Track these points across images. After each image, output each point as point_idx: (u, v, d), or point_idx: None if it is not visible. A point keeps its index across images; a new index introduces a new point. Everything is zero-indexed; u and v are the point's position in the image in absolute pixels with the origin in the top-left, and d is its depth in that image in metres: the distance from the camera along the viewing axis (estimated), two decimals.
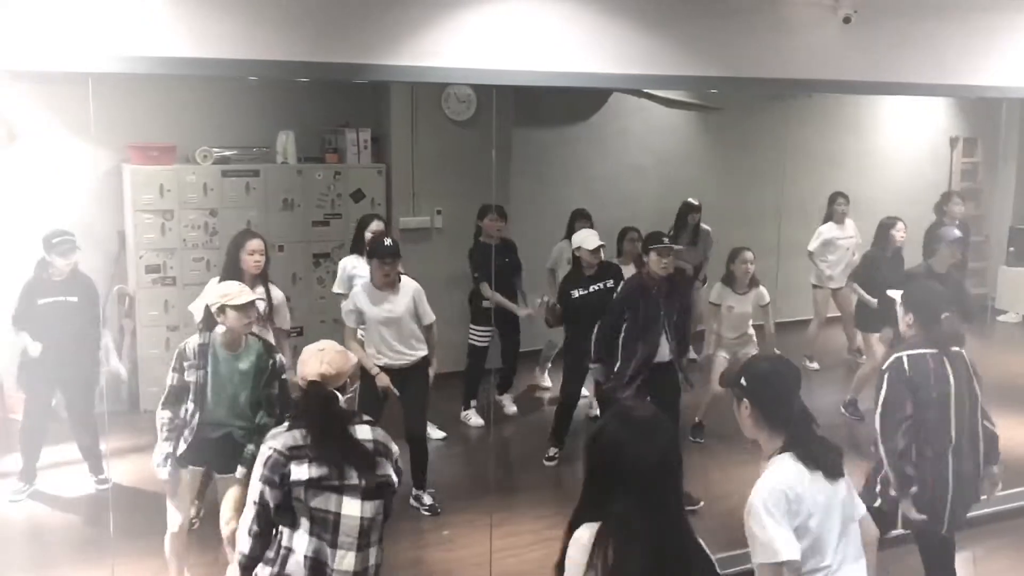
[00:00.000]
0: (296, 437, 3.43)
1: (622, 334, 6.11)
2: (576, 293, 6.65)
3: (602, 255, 6.70)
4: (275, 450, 3.40)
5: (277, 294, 5.81)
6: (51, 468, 6.29)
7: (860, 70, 5.83)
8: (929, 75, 6.02)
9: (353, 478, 3.42)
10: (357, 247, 6.70)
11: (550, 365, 8.17)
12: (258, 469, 3.42)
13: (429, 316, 6.06)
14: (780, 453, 3.15)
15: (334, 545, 3.41)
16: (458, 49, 4.86)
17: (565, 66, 5.09)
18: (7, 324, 6.03)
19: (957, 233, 6.82)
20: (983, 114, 10.16)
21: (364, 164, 8.07)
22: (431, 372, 6.10)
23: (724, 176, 9.38)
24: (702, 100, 9.13)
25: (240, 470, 4.62)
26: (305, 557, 3.39)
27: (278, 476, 3.37)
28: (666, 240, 6.08)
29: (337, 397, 3.54)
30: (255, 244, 5.70)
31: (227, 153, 7.57)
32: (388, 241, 5.95)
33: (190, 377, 4.66)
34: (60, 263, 5.92)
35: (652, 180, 9.25)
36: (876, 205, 8.59)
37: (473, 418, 7.51)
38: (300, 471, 3.37)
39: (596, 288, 6.63)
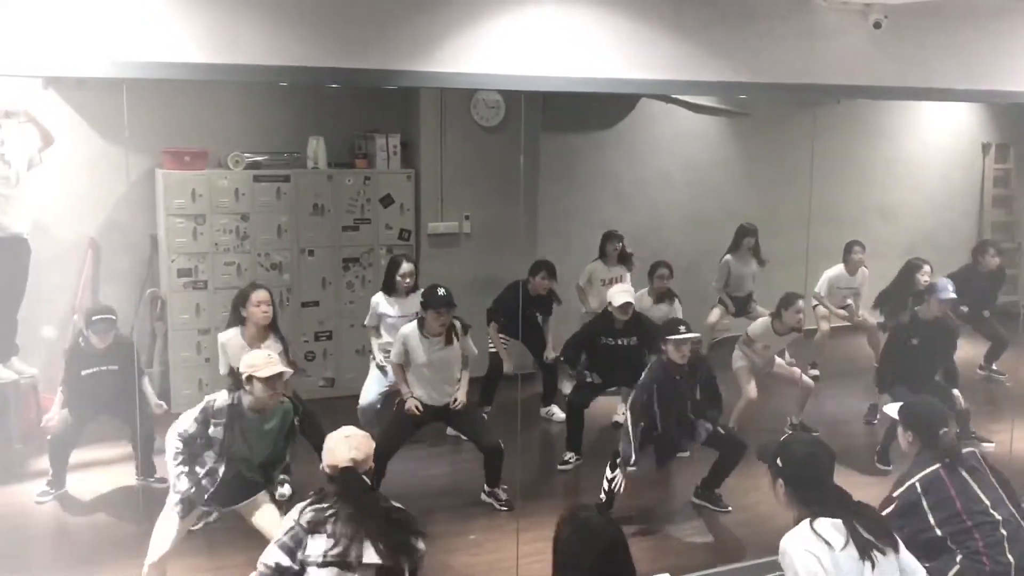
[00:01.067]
0: (320, 513, 3.54)
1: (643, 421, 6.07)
2: (603, 340, 6.85)
3: (631, 311, 6.83)
4: (297, 523, 3.54)
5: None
6: (81, 469, 6.37)
7: (890, 75, 5.80)
8: (960, 80, 5.98)
9: (372, 556, 3.48)
10: (388, 287, 6.78)
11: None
12: (278, 535, 3.57)
13: (472, 352, 6.35)
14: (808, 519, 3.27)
15: None
16: (487, 55, 4.88)
17: (593, 71, 5.10)
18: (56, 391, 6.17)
19: (951, 294, 6.81)
20: (1015, 119, 10.07)
21: (393, 169, 8.12)
22: (463, 390, 6.29)
23: (752, 183, 9.35)
24: (730, 106, 9.11)
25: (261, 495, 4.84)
26: None
27: (295, 545, 3.50)
28: (683, 329, 6.06)
29: (366, 482, 3.68)
30: (262, 295, 5.79)
31: (258, 158, 7.65)
32: (442, 291, 6.06)
33: (215, 433, 4.72)
34: (95, 341, 6.02)
35: (680, 186, 9.23)
36: (906, 212, 8.55)
37: (557, 413, 7.67)
38: (316, 546, 3.49)
39: (619, 343, 6.84)
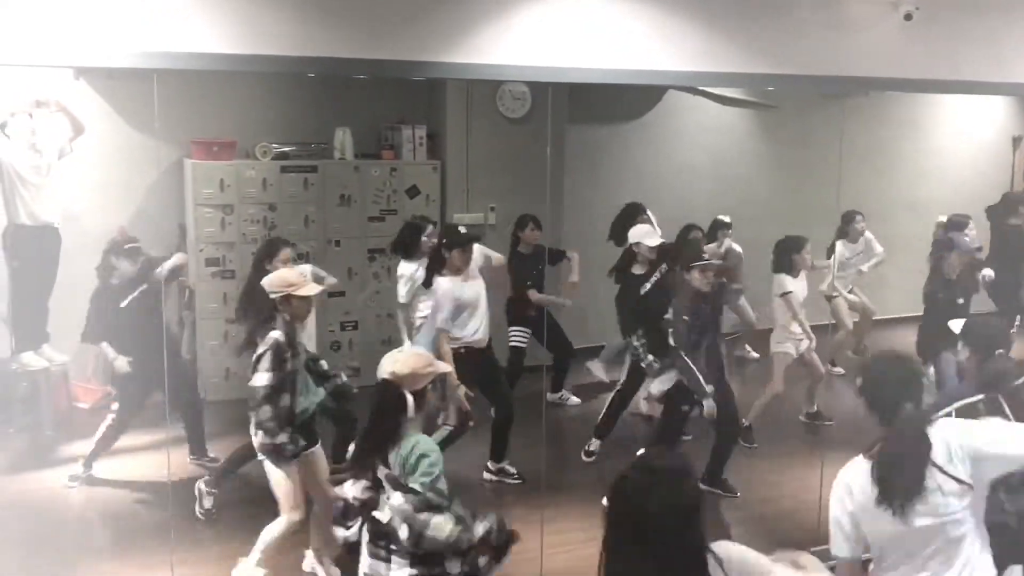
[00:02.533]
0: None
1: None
2: (646, 287, 6.75)
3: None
4: None
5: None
6: (117, 456, 6.44)
7: (920, 67, 5.76)
8: (991, 72, 5.93)
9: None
10: (410, 251, 6.74)
11: (603, 364, 8.14)
12: None
13: (499, 257, 6.57)
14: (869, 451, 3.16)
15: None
16: (513, 46, 4.88)
17: (620, 63, 5.09)
18: (79, 341, 6.27)
19: (969, 244, 6.74)
20: None
21: (419, 161, 8.14)
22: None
23: (779, 175, 9.29)
24: (758, 98, 9.06)
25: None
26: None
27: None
28: (706, 256, 6.10)
29: (405, 400, 3.48)
30: (288, 253, 5.85)
31: (286, 149, 7.69)
32: (463, 228, 6.27)
33: (294, 366, 4.75)
34: (127, 266, 6.09)
35: (706, 178, 9.19)
36: (935, 205, 8.46)
37: (572, 398, 7.77)
38: None
39: (655, 278, 6.75)
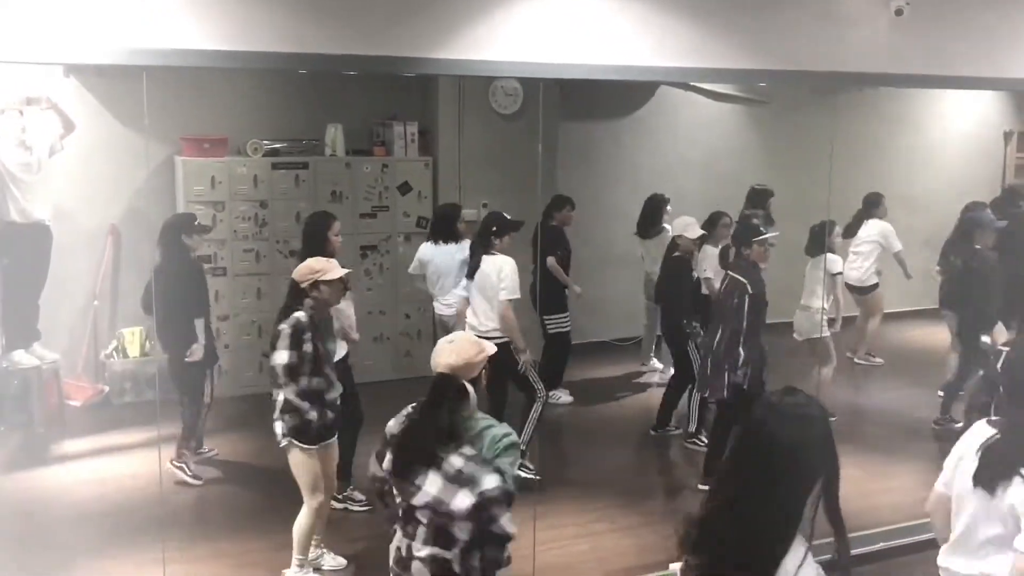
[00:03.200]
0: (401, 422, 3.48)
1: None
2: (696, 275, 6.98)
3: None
4: (388, 429, 3.49)
5: None
6: (109, 454, 6.43)
7: (911, 63, 5.75)
8: (982, 68, 5.93)
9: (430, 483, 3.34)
10: (446, 234, 6.78)
11: (653, 349, 8.30)
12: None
13: None
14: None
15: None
16: (505, 42, 4.87)
17: (612, 59, 5.08)
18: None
19: (993, 219, 6.83)
20: None
21: (411, 157, 8.13)
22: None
23: (772, 170, 9.29)
24: (750, 93, 9.06)
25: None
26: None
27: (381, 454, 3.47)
28: (764, 231, 6.19)
29: (466, 391, 3.44)
30: (337, 225, 5.89)
31: (277, 146, 7.67)
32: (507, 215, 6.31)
33: (308, 348, 4.79)
34: (197, 242, 6.21)
35: (699, 174, 9.19)
36: (927, 200, 8.48)
37: (564, 396, 7.78)
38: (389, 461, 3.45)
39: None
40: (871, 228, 8.41)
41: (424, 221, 8.09)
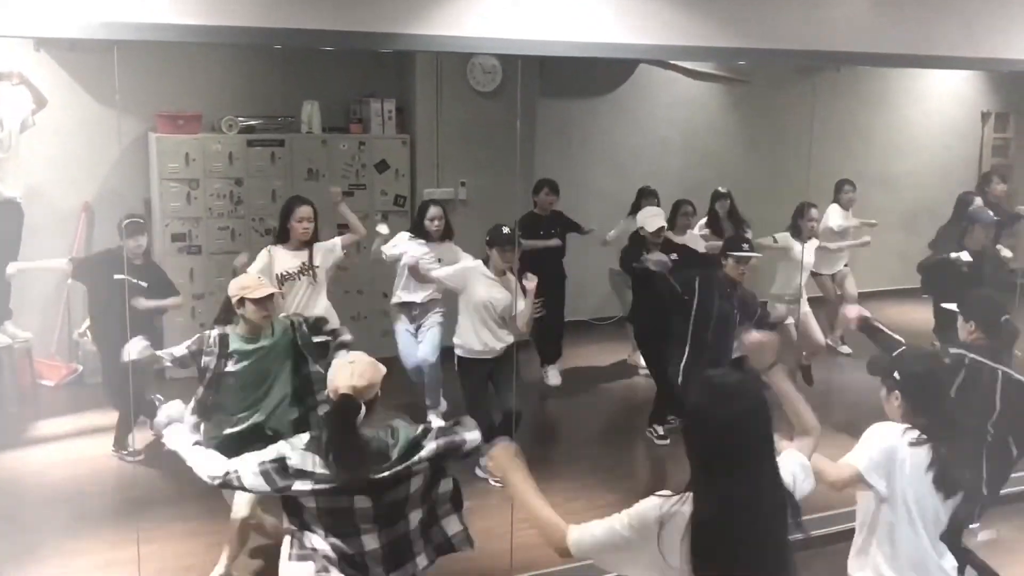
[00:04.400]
0: (308, 462, 3.37)
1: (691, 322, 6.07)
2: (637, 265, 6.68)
3: (663, 236, 6.83)
4: (286, 460, 3.36)
5: (327, 244, 6.12)
6: (83, 435, 6.37)
7: (890, 43, 5.75)
8: (961, 48, 5.93)
9: (364, 502, 3.41)
10: (417, 229, 6.72)
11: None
12: (264, 456, 3.41)
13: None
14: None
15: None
16: (483, 18, 4.82)
17: (592, 36, 5.04)
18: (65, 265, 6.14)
19: (992, 216, 6.81)
20: (1015, 88, 10.00)
21: (389, 135, 8.06)
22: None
23: (751, 150, 9.31)
24: (730, 72, 9.03)
25: None
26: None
27: (279, 479, 3.36)
28: (746, 247, 6.03)
29: (359, 410, 3.42)
30: (304, 211, 5.86)
31: (252, 123, 7.59)
32: (506, 229, 6.05)
33: (207, 363, 4.69)
34: (129, 242, 5.92)
35: (678, 153, 9.19)
36: (905, 180, 8.50)
37: (553, 377, 7.77)
38: (304, 485, 3.36)
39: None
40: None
41: (402, 199, 8.04)
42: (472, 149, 8.15)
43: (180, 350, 4.76)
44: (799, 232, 7.30)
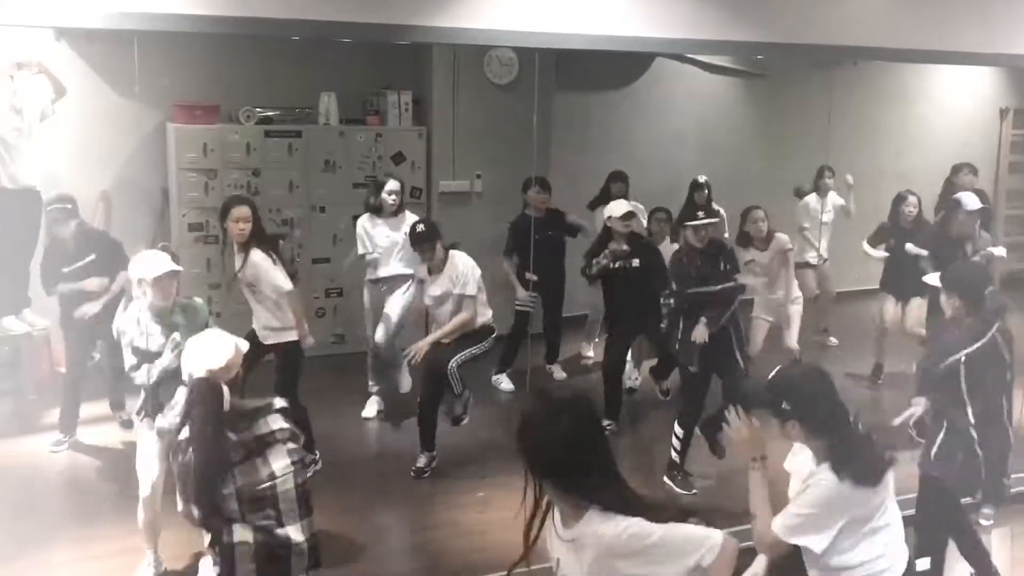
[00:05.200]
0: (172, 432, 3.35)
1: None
2: (597, 262, 6.47)
3: (633, 224, 6.58)
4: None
5: (255, 256, 5.54)
6: (90, 423, 6.42)
7: (908, 38, 5.73)
8: (979, 44, 5.91)
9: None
10: (373, 207, 6.69)
11: (597, 338, 7.99)
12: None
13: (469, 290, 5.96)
14: (823, 462, 3.16)
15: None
16: (501, 11, 4.83)
17: (609, 30, 5.05)
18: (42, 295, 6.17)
19: (978, 203, 6.60)
20: None
21: (405, 127, 8.08)
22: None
23: (767, 144, 9.29)
24: (746, 66, 9.03)
25: None
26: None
27: None
28: (700, 215, 5.97)
29: (222, 394, 3.24)
30: (239, 212, 5.48)
31: (270, 114, 7.62)
32: (420, 227, 5.93)
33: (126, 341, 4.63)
34: (58, 232, 5.92)
35: (694, 147, 9.17)
36: (922, 176, 8.46)
37: (504, 383, 7.44)
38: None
39: (620, 265, 6.46)
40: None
41: (418, 191, 8.06)
42: (488, 142, 8.16)
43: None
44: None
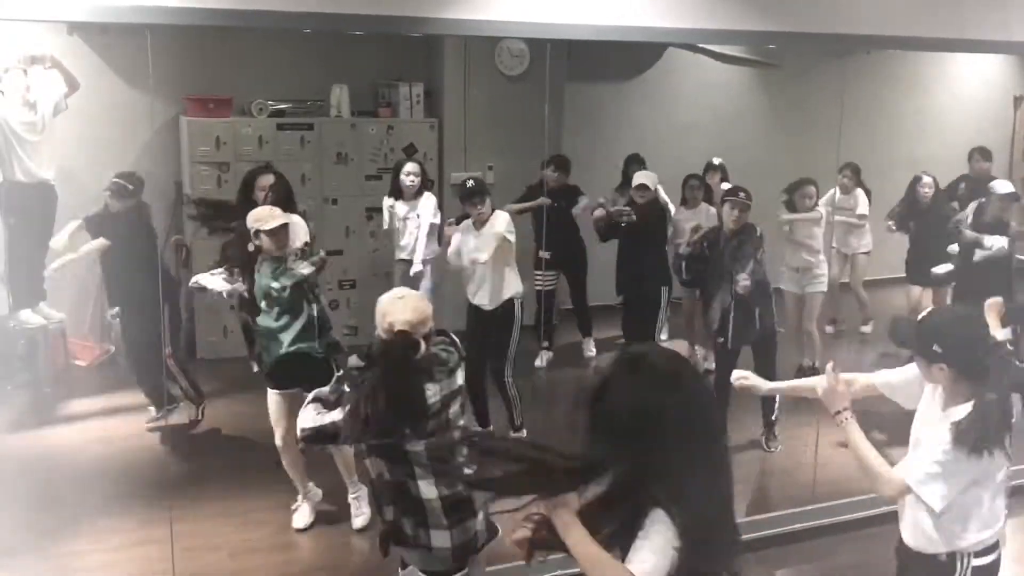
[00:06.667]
0: (352, 387, 3.38)
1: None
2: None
3: (649, 196, 6.99)
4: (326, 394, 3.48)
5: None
6: (115, 414, 6.46)
7: (921, 26, 5.70)
8: (993, 31, 5.87)
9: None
10: (394, 190, 6.97)
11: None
12: (311, 395, 3.50)
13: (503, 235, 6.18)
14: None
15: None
16: (512, 2, 4.82)
17: (620, 20, 5.03)
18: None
19: (1011, 188, 6.68)
20: None
21: (417, 118, 8.08)
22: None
23: (780, 134, 9.24)
24: (759, 56, 8.96)
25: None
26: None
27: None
28: (742, 195, 6.15)
29: (419, 346, 3.34)
30: (265, 180, 5.86)
31: (282, 106, 7.63)
32: (470, 183, 6.24)
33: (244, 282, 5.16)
34: (112, 204, 6.10)
35: (706, 138, 9.13)
36: (936, 165, 8.41)
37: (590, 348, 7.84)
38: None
39: (624, 220, 6.93)
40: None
41: (430, 183, 8.05)
42: (500, 133, 8.15)
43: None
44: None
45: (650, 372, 2.29)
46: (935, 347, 3.16)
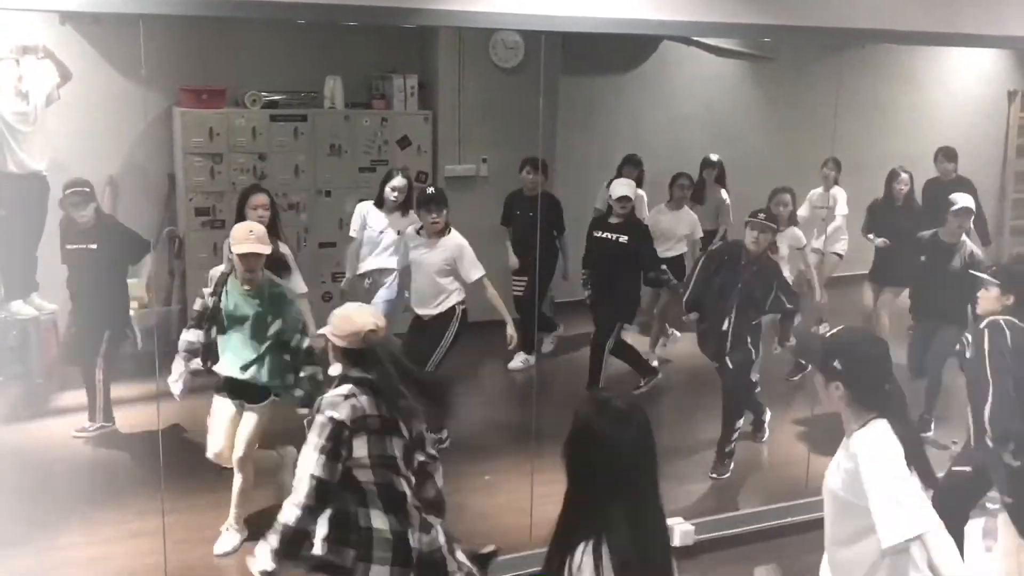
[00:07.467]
0: (359, 406, 3.34)
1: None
2: (595, 233, 6.84)
3: (629, 207, 6.78)
4: (335, 420, 3.30)
5: (282, 248, 5.65)
6: (111, 403, 6.43)
7: (916, 20, 5.70)
8: (988, 26, 5.87)
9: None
10: (377, 199, 6.64)
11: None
12: (315, 439, 3.31)
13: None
14: (875, 419, 3.08)
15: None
16: None
17: (615, 12, 5.02)
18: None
19: (966, 202, 6.52)
20: None
21: (411, 111, 8.07)
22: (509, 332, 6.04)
23: (775, 127, 9.25)
24: (754, 49, 8.98)
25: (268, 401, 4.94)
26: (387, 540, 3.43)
27: (342, 449, 3.30)
28: (762, 216, 6.01)
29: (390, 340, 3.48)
30: (258, 199, 5.64)
31: (276, 98, 7.61)
32: (430, 189, 6.07)
33: (210, 301, 4.91)
34: (74, 214, 5.92)
35: (701, 130, 9.13)
36: (930, 159, 8.42)
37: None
38: (360, 446, 3.33)
39: (609, 236, 6.74)
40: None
41: (424, 176, 8.05)
42: (494, 126, 8.14)
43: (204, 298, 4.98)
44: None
45: (613, 413, 2.55)
46: (836, 363, 3.08)
